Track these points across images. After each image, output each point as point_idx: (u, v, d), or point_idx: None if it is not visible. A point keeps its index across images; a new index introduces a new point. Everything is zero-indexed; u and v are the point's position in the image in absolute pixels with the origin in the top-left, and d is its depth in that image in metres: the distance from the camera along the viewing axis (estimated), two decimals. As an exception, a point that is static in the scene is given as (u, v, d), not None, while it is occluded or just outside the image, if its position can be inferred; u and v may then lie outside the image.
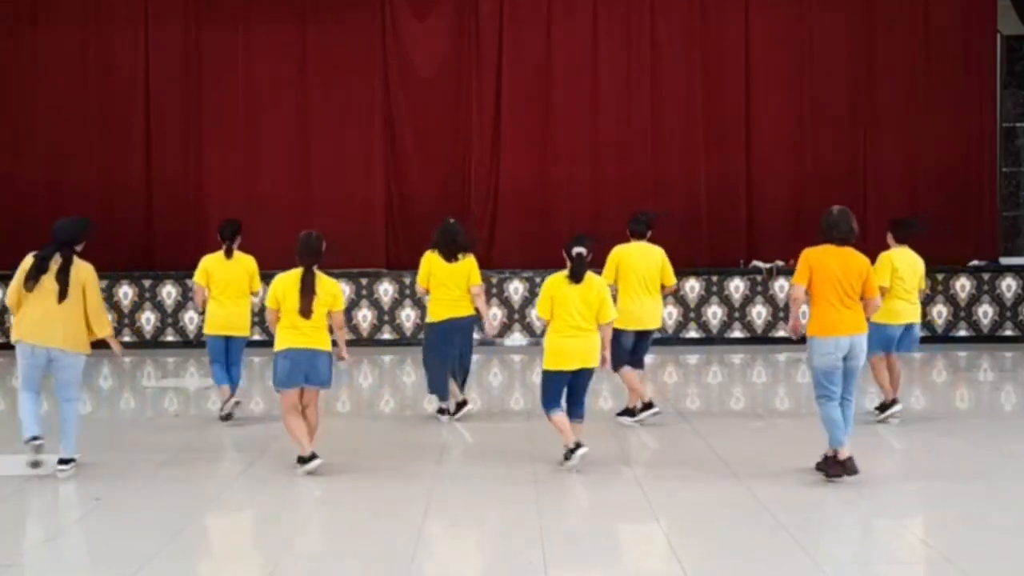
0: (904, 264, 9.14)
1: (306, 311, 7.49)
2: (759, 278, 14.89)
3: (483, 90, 15.58)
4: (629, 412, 9.36)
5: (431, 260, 9.26)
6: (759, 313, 14.87)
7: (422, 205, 15.51)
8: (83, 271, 7.57)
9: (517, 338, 14.62)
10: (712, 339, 14.77)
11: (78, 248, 7.64)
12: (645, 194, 15.33)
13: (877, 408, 9.43)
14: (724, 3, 15.67)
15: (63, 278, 7.45)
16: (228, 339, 9.49)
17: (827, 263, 7.26)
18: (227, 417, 9.46)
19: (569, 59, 15.62)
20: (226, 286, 9.38)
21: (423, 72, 15.62)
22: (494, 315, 14.54)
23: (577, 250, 7.53)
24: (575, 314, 7.54)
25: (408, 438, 8.99)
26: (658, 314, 9.33)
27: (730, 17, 15.64)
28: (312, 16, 15.59)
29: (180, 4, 15.56)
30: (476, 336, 10.08)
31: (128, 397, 11.61)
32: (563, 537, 6.28)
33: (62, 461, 7.58)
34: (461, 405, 9.57)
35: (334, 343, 7.80)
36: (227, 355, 9.51)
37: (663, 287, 9.31)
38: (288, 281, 7.62)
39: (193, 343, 14.63)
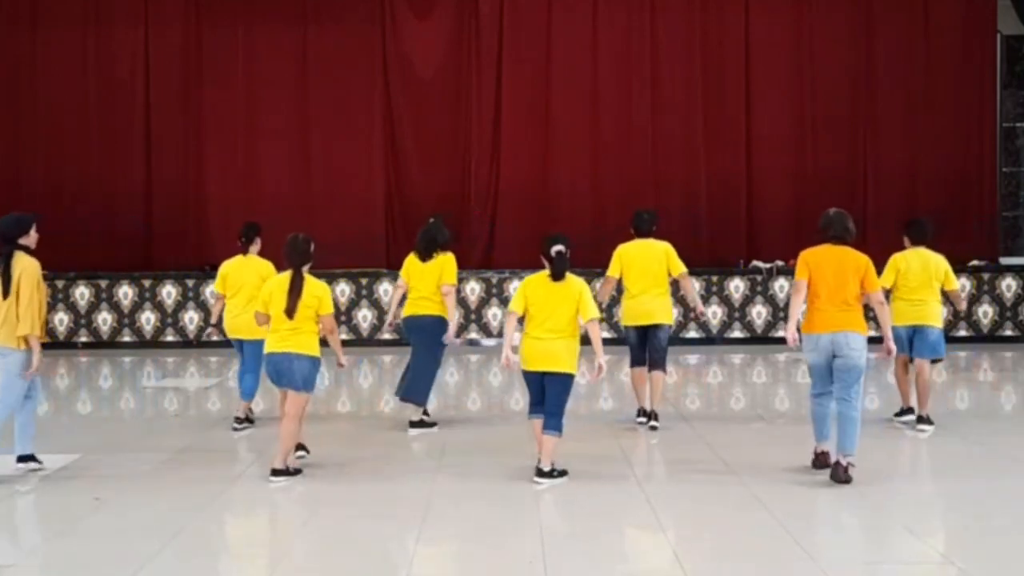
0: (913, 265, 9.04)
1: (290, 311, 7.46)
2: (759, 278, 14.89)
3: (483, 90, 15.58)
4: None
5: (408, 259, 9.38)
6: (759, 313, 14.87)
7: (422, 205, 15.50)
8: (19, 264, 7.49)
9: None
10: (712, 339, 14.77)
11: (24, 242, 7.55)
12: (645, 194, 15.34)
13: (896, 413, 9.39)
14: (724, 3, 15.68)
15: (6, 274, 7.44)
16: (241, 343, 9.22)
17: (822, 262, 7.40)
18: (239, 421, 9.28)
19: (569, 59, 15.62)
20: (238, 289, 9.16)
21: (423, 72, 15.64)
22: (493, 315, 14.66)
23: (556, 248, 7.54)
24: (548, 315, 7.53)
25: (407, 438, 8.98)
26: (663, 309, 9.13)
27: (730, 17, 15.66)
28: (312, 16, 15.60)
29: (180, 4, 15.58)
30: (455, 340, 9.85)
31: (128, 397, 11.61)
32: (563, 537, 6.28)
33: (20, 459, 7.62)
34: (415, 424, 9.21)
35: (325, 345, 7.69)
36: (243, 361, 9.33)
37: (677, 278, 9.20)
38: (276, 284, 7.64)
39: (193, 343, 14.64)
